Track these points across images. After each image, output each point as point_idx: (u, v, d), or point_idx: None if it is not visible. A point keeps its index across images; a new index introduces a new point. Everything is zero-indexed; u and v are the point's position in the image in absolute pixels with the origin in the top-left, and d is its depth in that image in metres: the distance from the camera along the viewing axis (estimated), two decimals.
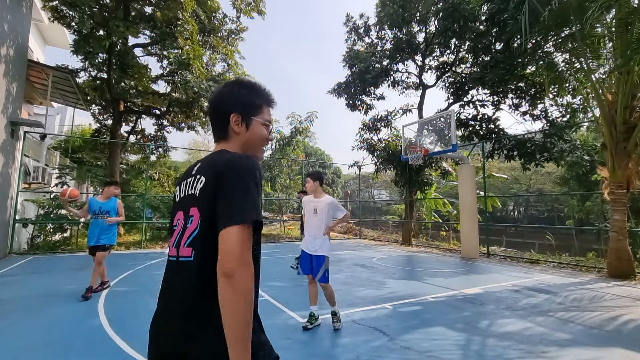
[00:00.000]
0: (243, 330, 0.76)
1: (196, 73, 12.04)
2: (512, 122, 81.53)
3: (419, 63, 14.42)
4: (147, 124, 76.31)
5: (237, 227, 0.80)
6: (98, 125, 15.43)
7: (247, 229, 0.81)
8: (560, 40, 7.51)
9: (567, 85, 8.22)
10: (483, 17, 11.11)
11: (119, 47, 11.60)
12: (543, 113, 11.69)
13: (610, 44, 7.00)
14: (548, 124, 11.47)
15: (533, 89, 11.07)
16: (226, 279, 0.77)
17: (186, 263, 0.91)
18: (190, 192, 0.98)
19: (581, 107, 10.42)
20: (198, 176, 0.96)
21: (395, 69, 14.76)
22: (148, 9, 12.27)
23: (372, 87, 14.69)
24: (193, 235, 0.91)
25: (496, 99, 12.39)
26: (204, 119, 14.49)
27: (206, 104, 12.79)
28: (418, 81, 14.73)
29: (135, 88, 13.71)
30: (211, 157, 1.00)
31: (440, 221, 19.44)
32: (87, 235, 4.77)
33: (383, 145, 14.03)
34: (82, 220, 5.46)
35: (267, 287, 5.41)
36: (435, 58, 14.41)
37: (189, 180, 1.01)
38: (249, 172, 0.89)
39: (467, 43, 12.45)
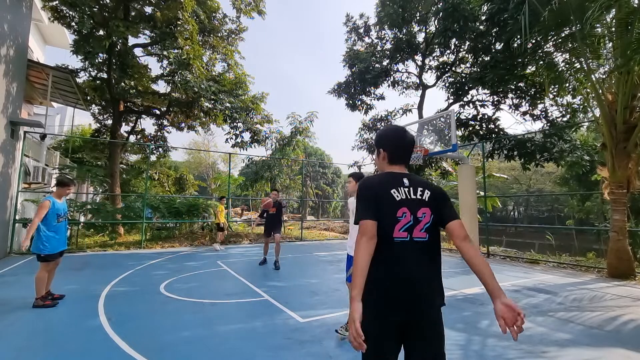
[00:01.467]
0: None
1: (196, 73, 12.04)
2: (512, 122, 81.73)
3: (419, 63, 14.41)
4: (147, 124, 76.46)
5: (460, 220, 1.50)
6: (98, 125, 15.40)
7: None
8: (560, 40, 7.48)
9: (567, 85, 8.21)
10: (483, 17, 11.09)
11: (119, 47, 11.60)
12: (543, 113, 11.69)
13: (610, 44, 6.99)
14: (548, 124, 11.47)
15: (533, 89, 11.06)
16: (468, 241, 1.44)
17: (421, 242, 1.46)
18: (413, 197, 1.50)
19: (581, 107, 10.41)
20: (420, 189, 1.52)
21: (395, 69, 14.75)
22: (148, 9, 12.26)
23: (372, 87, 14.67)
24: (427, 225, 1.47)
25: (496, 99, 12.39)
26: (204, 119, 14.46)
27: (206, 104, 12.80)
28: (418, 81, 14.73)
29: (135, 88, 13.71)
30: (416, 178, 1.58)
31: None
32: (54, 240, 4.27)
33: None
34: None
35: (266, 287, 5.41)
36: (435, 58, 14.40)
37: (405, 189, 1.52)
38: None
39: (467, 43, 12.43)
